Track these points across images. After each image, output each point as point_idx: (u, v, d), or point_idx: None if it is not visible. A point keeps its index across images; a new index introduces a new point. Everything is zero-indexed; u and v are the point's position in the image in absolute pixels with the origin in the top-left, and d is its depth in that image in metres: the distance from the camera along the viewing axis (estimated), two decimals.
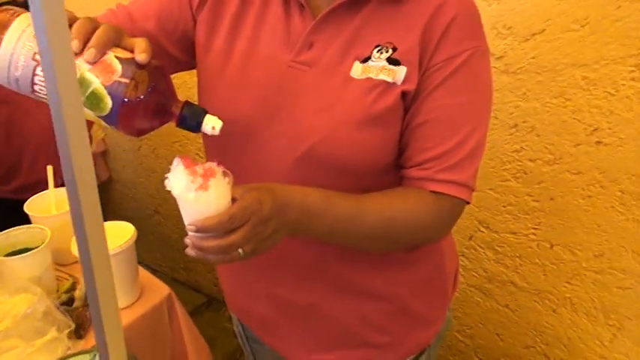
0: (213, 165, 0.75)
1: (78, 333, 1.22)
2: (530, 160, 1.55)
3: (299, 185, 0.90)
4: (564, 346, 1.73)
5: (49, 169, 1.46)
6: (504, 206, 1.65)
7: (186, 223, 0.75)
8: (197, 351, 1.46)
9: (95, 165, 2.72)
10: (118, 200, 2.98)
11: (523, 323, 1.78)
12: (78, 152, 0.34)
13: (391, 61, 0.89)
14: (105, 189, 3.01)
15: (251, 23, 0.96)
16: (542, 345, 1.78)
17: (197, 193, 0.73)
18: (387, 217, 0.90)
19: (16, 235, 1.35)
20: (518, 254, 1.69)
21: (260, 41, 0.95)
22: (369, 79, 0.89)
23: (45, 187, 1.47)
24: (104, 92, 0.69)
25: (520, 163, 1.57)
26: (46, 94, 0.70)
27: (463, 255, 1.80)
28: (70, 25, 0.71)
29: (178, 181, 0.73)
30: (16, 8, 0.74)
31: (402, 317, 1.08)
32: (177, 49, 1.01)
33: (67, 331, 1.17)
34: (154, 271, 2.97)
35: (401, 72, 0.88)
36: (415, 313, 1.08)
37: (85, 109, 0.70)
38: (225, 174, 0.76)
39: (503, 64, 1.50)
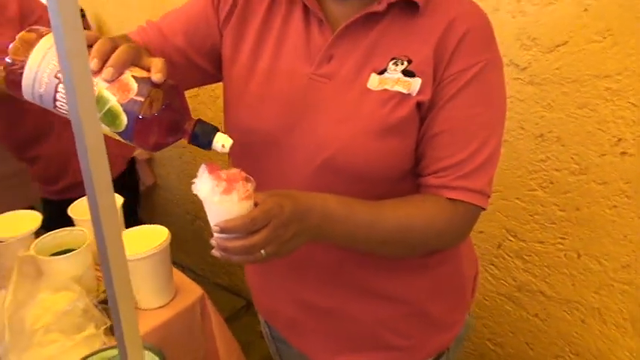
0: (237, 171, 0.80)
1: (114, 330, 1.30)
2: (556, 170, 1.57)
3: (319, 192, 0.95)
4: (594, 357, 1.73)
5: None
6: (531, 215, 1.66)
7: (211, 224, 0.80)
8: (229, 353, 1.51)
9: (141, 171, 2.83)
10: (162, 205, 3.08)
11: (553, 333, 1.78)
12: (96, 163, 0.37)
13: (406, 73, 0.93)
14: (150, 194, 3.12)
15: (273, 39, 1.01)
16: (572, 355, 1.77)
17: (221, 197, 0.78)
18: (405, 223, 0.94)
19: (61, 236, 1.43)
20: (546, 264, 1.69)
21: (282, 56, 1.00)
22: (385, 90, 0.93)
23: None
24: (120, 110, 0.73)
25: (546, 173, 1.59)
26: (66, 110, 0.76)
27: (492, 263, 1.82)
28: (92, 45, 0.76)
29: (204, 185, 0.79)
30: (42, 28, 0.80)
31: (421, 321, 1.11)
32: (206, 62, 1.06)
33: (103, 328, 1.24)
34: (196, 275, 3.06)
35: (416, 83, 0.92)
36: (434, 317, 1.12)
37: (103, 126, 0.75)
38: (248, 179, 0.80)
39: (528, 75, 1.52)
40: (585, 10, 1.38)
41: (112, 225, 0.40)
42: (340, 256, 1.03)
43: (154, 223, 1.39)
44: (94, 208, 0.37)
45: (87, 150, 0.36)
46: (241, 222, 0.78)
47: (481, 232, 1.79)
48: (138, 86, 0.74)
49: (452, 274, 1.12)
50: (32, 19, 1.91)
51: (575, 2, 1.38)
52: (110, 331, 1.29)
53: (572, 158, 1.53)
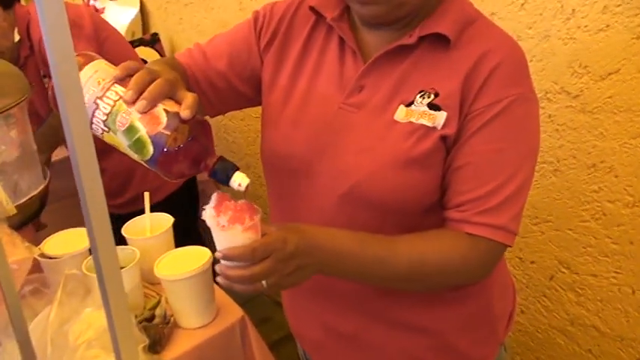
0: (245, 202, 0.83)
1: (154, 348, 1.34)
2: (609, 202, 1.51)
3: (341, 223, 0.96)
4: None
5: (146, 195, 1.60)
6: (584, 247, 1.60)
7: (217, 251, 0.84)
8: None
9: (208, 189, 2.91)
10: None
11: None
12: (88, 179, 0.38)
13: (432, 106, 0.93)
14: None
15: (311, 66, 1.03)
16: None
17: (226, 226, 0.81)
18: (419, 260, 0.93)
19: None
20: (599, 298, 1.63)
21: (318, 81, 1.02)
22: (410, 122, 0.93)
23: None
24: (148, 140, 0.78)
25: (599, 204, 1.53)
26: (101, 134, 0.81)
27: (544, 295, 1.76)
28: (132, 75, 0.80)
29: (211, 213, 0.83)
30: (92, 54, 0.86)
31: (446, 354, 1.10)
32: (246, 87, 1.10)
33: (141, 346, 1.29)
34: (258, 294, 3.09)
35: (441, 117, 0.92)
36: (461, 350, 1.10)
37: (132, 152, 0.80)
38: (255, 211, 0.83)
39: (580, 103, 1.47)
40: (638, 37, 1.33)
41: (107, 240, 0.40)
42: (359, 283, 1.03)
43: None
44: (88, 225, 0.38)
45: (79, 168, 0.37)
46: (242, 251, 0.80)
47: (533, 262, 1.74)
48: (167, 120, 0.78)
49: (480, 308, 1.10)
50: (103, 37, 2.02)
51: (627, 29, 1.34)
52: (151, 349, 1.33)
53: (625, 190, 1.47)
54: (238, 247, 0.81)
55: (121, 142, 0.80)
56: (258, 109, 1.12)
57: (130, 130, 0.79)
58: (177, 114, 0.79)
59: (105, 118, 0.79)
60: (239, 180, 0.82)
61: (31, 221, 1.75)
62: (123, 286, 0.45)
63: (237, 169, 0.83)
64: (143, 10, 3.08)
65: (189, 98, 0.80)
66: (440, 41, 0.94)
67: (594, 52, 1.41)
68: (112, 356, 1.27)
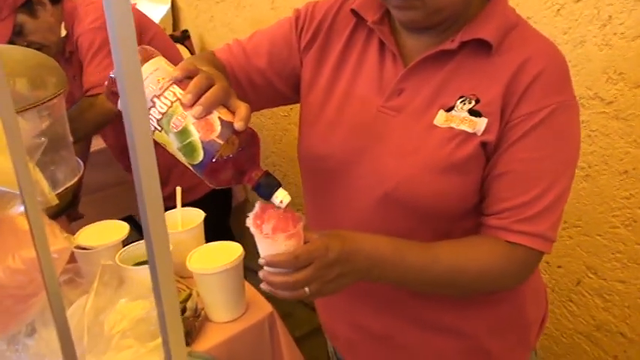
0: (288, 210, 0.85)
1: (185, 341, 1.36)
2: None
3: (376, 225, 0.96)
4: None
5: (178, 189, 1.63)
6: (613, 253, 1.60)
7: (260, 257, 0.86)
8: None
9: (234, 187, 2.92)
10: None
11: None
12: (147, 176, 0.39)
13: (472, 112, 0.93)
14: (242, 210, 3.21)
15: (351, 68, 1.04)
16: None
17: (270, 234, 0.84)
18: (458, 267, 0.94)
19: (144, 247, 1.51)
20: (627, 304, 1.62)
21: (358, 84, 1.03)
22: (450, 128, 0.93)
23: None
24: (199, 146, 0.79)
25: (630, 211, 1.53)
26: (152, 131, 0.83)
27: (570, 300, 1.76)
28: (192, 77, 0.81)
29: (256, 221, 0.85)
30: (151, 49, 0.87)
31: (478, 357, 1.10)
32: (284, 85, 1.11)
33: None
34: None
35: (482, 123, 0.92)
36: (492, 354, 1.10)
37: (180, 154, 0.81)
38: (298, 218, 0.85)
39: (614, 110, 1.47)
40: None
41: (161, 235, 0.41)
42: (392, 284, 1.04)
43: (245, 239, 1.45)
44: (145, 224, 0.39)
45: (139, 166, 0.37)
46: (285, 258, 0.82)
47: (560, 267, 1.74)
48: (221, 129, 0.79)
49: (513, 312, 1.10)
50: (148, 37, 2.04)
51: None
52: None
53: None
54: (281, 254, 0.82)
55: (172, 143, 0.81)
56: (287, 107, 1.13)
57: (184, 133, 0.79)
58: (230, 124, 0.80)
59: (160, 117, 0.80)
60: (281, 197, 0.84)
61: (64, 212, 1.78)
62: (173, 274, 0.46)
63: (281, 185, 0.84)
64: (174, 7, 3.11)
65: (242, 109, 0.81)
66: (482, 47, 0.93)
67: (630, 59, 1.41)
68: (145, 347, 1.30)
